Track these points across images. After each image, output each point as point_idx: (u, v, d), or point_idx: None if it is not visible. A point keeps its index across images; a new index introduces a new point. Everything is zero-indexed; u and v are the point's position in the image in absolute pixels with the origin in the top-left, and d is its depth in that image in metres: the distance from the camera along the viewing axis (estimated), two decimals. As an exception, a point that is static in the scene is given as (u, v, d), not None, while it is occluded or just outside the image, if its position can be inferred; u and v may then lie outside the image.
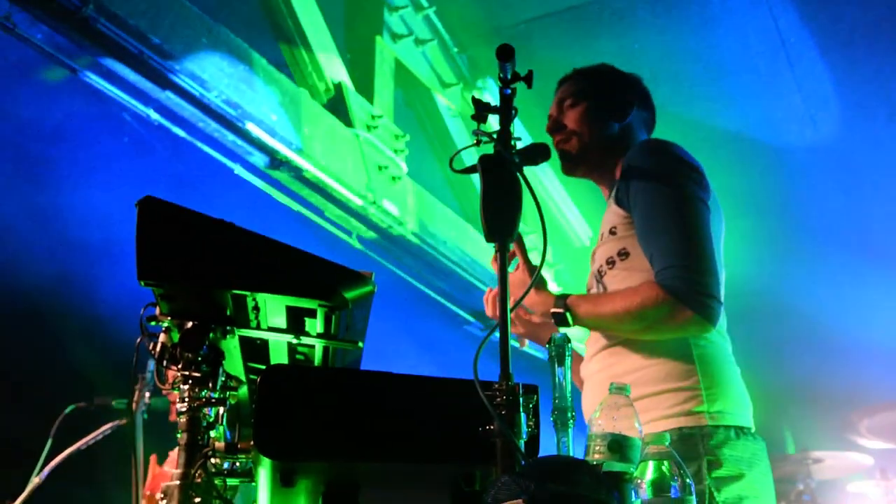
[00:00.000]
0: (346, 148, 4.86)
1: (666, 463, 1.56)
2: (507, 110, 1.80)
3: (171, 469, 1.69)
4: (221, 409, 1.74)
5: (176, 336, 1.69)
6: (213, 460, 1.71)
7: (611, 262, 2.36)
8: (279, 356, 1.90)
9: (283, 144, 4.38)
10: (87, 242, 3.84)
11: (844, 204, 6.55)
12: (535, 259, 2.30)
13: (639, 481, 1.55)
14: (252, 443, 1.56)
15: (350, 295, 1.69)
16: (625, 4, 5.69)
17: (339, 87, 4.98)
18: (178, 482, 1.62)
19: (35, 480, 3.00)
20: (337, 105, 4.93)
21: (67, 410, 3.21)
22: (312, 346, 1.84)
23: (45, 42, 3.51)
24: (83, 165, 4.00)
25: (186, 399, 1.67)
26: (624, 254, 2.33)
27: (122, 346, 1.98)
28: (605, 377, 2.25)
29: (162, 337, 1.70)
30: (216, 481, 1.69)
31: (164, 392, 3.18)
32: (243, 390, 1.94)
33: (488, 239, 1.74)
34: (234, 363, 1.86)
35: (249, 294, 1.67)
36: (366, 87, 5.29)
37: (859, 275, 6.49)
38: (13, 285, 3.69)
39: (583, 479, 1.37)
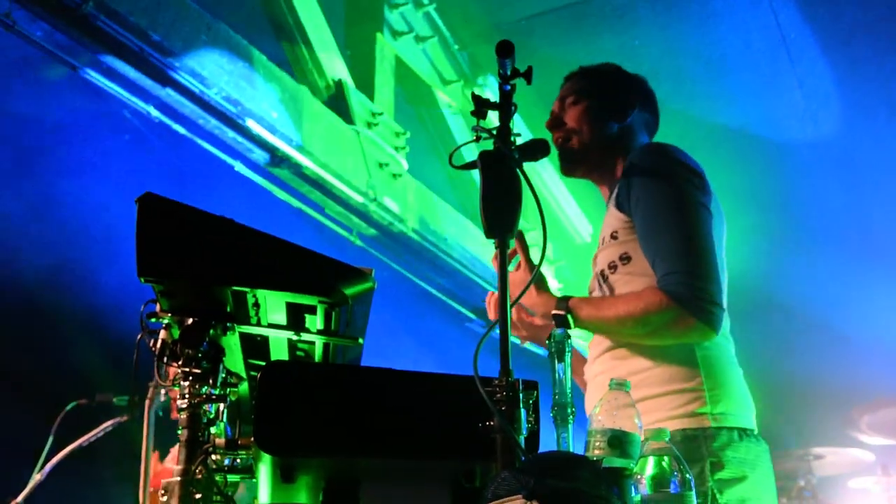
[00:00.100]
0: (346, 145, 4.86)
1: (666, 459, 1.56)
2: (506, 106, 1.80)
3: (172, 465, 1.69)
4: (222, 406, 1.74)
5: (176, 333, 1.69)
6: (213, 457, 1.71)
7: (613, 267, 2.35)
8: (279, 353, 1.90)
9: (284, 141, 4.38)
10: (87, 234, 3.85)
11: (845, 201, 6.55)
12: (536, 256, 2.30)
13: (639, 477, 1.55)
14: (252, 439, 1.56)
15: (350, 291, 1.69)
16: (626, 1, 5.69)
17: (339, 84, 4.98)
18: (178, 478, 1.62)
19: (36, 477, 3.00)
20: (337, 102, 4.93)
21: (69, 407, 3.21)
22: (313, 343, 1.84)
23: (45, 39, 3.51)
24: (84, 162, 4.00)
25: (187, 396, 1.67)
26: (626, 258, 2.33)
27: (123, 340, 1.98)
28: (609, 379, 2.24)
29: (162, 333, 1.70)
30: (217, 477, 1.69)
31: (165, 389, 3.18)
32: (244, 387, 1.95)
33: (488, 235, 1.74)
34: (234, 360, 1.87)
35: (249, 290, 1.67)
36: (366, 84, 5.29)
37: (860, 271, 6.49)
38: (13, 279, 3.69)
39: (582, 475, 1.37)
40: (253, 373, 1.92)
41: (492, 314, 2.43)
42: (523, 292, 2.22)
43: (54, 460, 3.01)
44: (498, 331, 1.63)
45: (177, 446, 1.67)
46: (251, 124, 4.21)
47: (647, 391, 2.19)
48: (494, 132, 1.78)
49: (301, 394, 1.56)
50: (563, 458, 1.51)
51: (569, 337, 1.84)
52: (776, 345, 6.47)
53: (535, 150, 1.88)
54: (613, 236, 2.36)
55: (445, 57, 6.35)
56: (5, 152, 3.82)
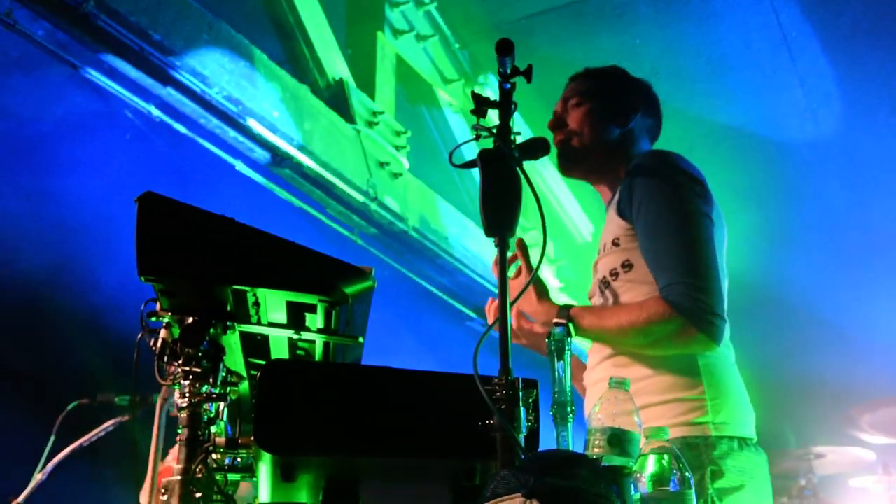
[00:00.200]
0: (347, 144, 4.86)
1: (665, 457, 1.56)
2: (506, 105, 1.80)
3: (172, 464, 1.69)
4: (222, 405, 1.75)
5: (176, 332, 1.70)
6: (213, 456, 1.71)
7: (614, 274, 2.35)
8: (280, 352, 1.91)
9: (285, 140, 4.38)
10: (87, 233, 3.85)
11: (846, 199, 6.55)
12: (536, 258, 2.30)
13: (638, 475, 1.56)
14: (252, 438, 1.56)
15: (350, 290, 1.69)
16: (626, 0, 5.68)
17: (340, 83, 4.98)
18: (178, 477, 1.62)
19: (38, 477, 3.00)
20: (338, 101, 4.92)
21: (70, 407, 3.21)
22: (313, 342, 1.85)
23: (45, 38, 3.51)
24: (85, 161, 4.00)
25: (187, 395, 1.68)
26: (628, 265, 2.32)
27: (124, 340, 1.98)
28: None
29: (162, 333, 1.70)
30: (217, 477, 1.69)
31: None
32: (244, 386, 1.95)
33: (488, 234, 1.74)
34: (234, 359, 1.87)
35: (250, 289, 1.67)
36: (367, 83, 5.28)
37: (861, 269, 6.49)
38: (13, 278, 3.69)
39: (582, 474, 1.37)
40: (253, 372, 1.92)
41: (491, 321, 2.43)
42: (522, 291, 2.24)
43: (56, 460, 3.02)
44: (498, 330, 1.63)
45: (176, 445, 1.67)
46: (252, 123, 4.21)
47: (648, 399, 2.19)
48: (494, 131, 1.78)
49: (301, 393, 1.56)
50: (563, 456, 1.51)
51: (569, 335, 1.84)
52: (777, 343, 6.47)
53: (535, 148, 1.88)
54: (615, 243, 2.36)
55: (446, 56, 6.35)
56: (6, 151, 3.82)
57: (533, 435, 1.59)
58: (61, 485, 3.10)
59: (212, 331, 1.69)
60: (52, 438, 3.11)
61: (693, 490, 1.55)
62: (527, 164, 1.80)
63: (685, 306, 2.14)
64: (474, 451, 1.56)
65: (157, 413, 2.91)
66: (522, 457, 1.49)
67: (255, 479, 1.81)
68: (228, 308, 1.71)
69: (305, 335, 1.79)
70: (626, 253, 2.33)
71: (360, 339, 1.87)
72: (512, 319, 2.39)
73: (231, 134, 4.24)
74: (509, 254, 2.00)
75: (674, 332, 2.16)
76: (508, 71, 1.78)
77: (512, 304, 1.93)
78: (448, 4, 6.11)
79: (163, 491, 1.64)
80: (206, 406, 1.68)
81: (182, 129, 4.11)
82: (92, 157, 4.05)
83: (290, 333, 1.79)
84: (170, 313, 1.69)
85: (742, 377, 2.37)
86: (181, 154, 4.28)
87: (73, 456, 3.06)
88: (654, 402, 2.20)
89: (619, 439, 1.56)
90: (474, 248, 5.88)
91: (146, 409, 2.98)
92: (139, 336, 1.74)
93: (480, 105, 1.81)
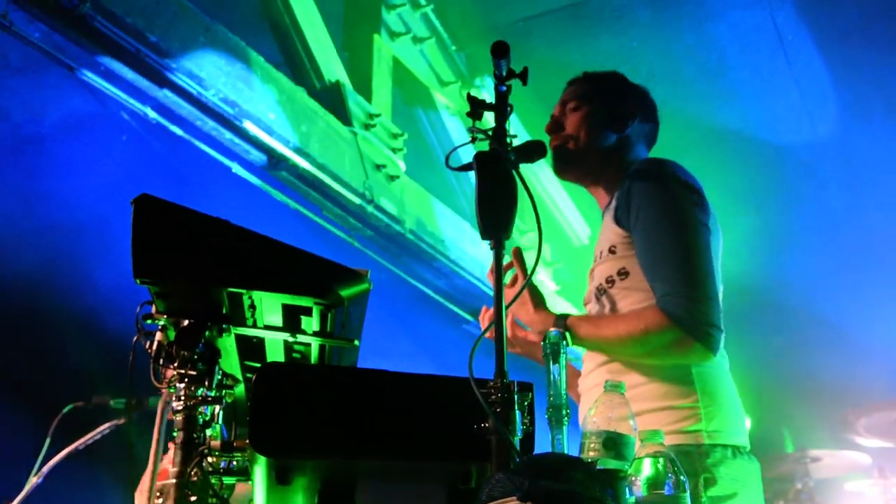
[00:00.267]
0: (343, 146, 4.86)
1: (661, 460, 1.56)
2: (502, 107, 1.80)
3: (167, 467, 1.69)
4: (217, 408, 1.74)
5: (172, 334, 1.69)
6: (209, 459, 1.71)
7: (611, 281, 2.35)
8: (275, 354, 1.90)
9: (281, 143, 4.38)
10: (83, 235, 3.84)
11: (842, 200, 6.57)
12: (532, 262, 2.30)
13: (633, 479, 1.55)
14: (248, 441, 1.56)
15: (346, 293, 1.69)
16: (623, 2, 5.69)
17: (336, 85, 4.98)
18: (174, 480, 1.62)
19: (33, 480, 2.99)
20: (335, 103, 4.92)
21: (65, 410, 3.21)
22: (309, 345, 1.84)
23: (42, 40, 3.51)
24: (81, 163, 4.00)
25: (182, 397, 1.67)
26: (624, 273, 2.32)
27: (119, 342, 1.98)
28: None
29: (158, 335, 1.70)
30: (212, 480, 1.69)
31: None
32: (239, 388, 1.94)
33: (484, 236, 1.74)
34: (230, 361, 1.86)
35: (245, 292, 1.67)
36: (364, 85, 5.29)
37: (858, 271, 6.50)
38: (8, 280, 3.68)
39: (577, 477, 1.37)
40: (249, 374, 1.92)
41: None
42: (517, 296, 2.23)
43: (51, 463, 3.00)
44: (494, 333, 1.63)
45: (171, 448, 1.67)
46: (248, 126, 4.21)
47: (642, 406, 2.18)
48: (490, 133, 1.78)
49: (297, 395, 1.56)
50: (558, 459, 1.51)
51: (564, 338, 1.84)
52: (773, 345, 6.48)
53: (532, 151, 1.88)
54: (611, 251, 2.36)
55: (443, 58, 6.35)
56: (2, 152, 3.81)
57: (528, 438, 1.59)
58: (57, 488, 3.09)
59: (207, 333, 1.68)
60: (48, 441, 3.10)
61: (688, 493, 1.55)
62: (523, 167, 1.80)
63: (683, 317, 2.14)
64: (470, 454, 1.55)
65: (158, 416, 2.91)
66: (517, 460, 1.49)
67: (250, 482, 1.81)
68: (224, 311, 1.71)
69: (301, 338, 1.79)
70: (622, 261, 2.33)
71: (356, 342, 1.86)
72: (507, 328, 2.39)
73: (227, 136, 4.24)
74: (505, 260, 1.99)
75: (671, 342, 2.16)
76: (504, 73, 1.77)
77: (508, 306, 1.93)
78: (445, 7, 6.11)
79: (158, 494, 1.63)
80: (201, 409, 1.68)
81: (178, 131, 4.11)
82: (88, 158, 4.05)
83: (286, 336, 1.79)
84: (165, 316, 1.68)
85: (739, 380, 2.37)
86: (177, 156, 4.28)
87: (68, 459, 3.05)
88: (648, 409, 2.20)
89: (614, 442, 1.56)
90: (471, 251, 5.88)
91: (142, 412, 2.97)
92: (135, 338, 1.74)
93: (476, 107, 1.81)
